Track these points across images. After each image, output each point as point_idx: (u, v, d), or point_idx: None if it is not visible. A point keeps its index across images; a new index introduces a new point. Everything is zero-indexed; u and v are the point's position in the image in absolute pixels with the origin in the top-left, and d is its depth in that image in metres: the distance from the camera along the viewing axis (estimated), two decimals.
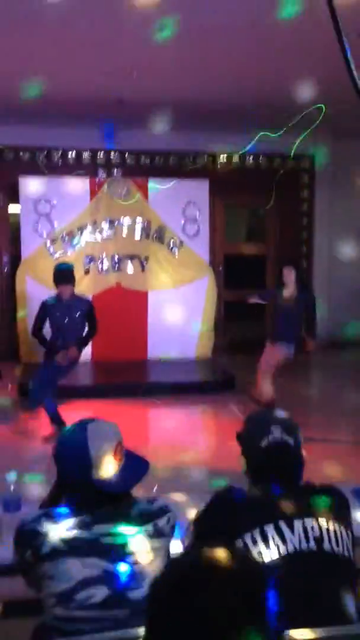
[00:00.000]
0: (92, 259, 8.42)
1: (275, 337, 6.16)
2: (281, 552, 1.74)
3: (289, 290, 6.08)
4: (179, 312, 8.47)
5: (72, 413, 6.27)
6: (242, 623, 0.90)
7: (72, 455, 1.77)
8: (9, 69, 6.43)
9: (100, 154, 9.12)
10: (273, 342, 6.16)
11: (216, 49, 5.97)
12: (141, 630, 1.64)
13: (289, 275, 6.07)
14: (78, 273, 8.38)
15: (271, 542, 1.75)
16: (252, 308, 10.18)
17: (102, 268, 8.45)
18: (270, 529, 1.76)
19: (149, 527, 1.77)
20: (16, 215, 8.74)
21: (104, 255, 8.46)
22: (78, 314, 5.60)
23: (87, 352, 8.41)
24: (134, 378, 7.79)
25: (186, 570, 0.97)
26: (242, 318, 10.06)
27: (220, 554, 1.01)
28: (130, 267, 8.50)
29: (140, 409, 6.64)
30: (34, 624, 2.04)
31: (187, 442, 5.85)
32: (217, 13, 5.20)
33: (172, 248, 8.59)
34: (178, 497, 2.55)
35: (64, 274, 5.61)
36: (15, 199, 8.49)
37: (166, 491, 3.75)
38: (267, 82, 6.98)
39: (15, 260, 8.69)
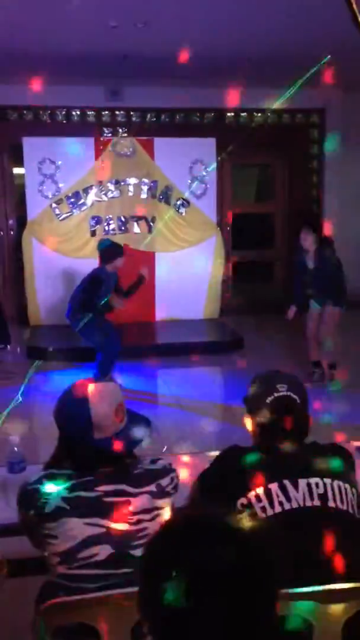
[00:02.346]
0: (98, 220, 8.34)
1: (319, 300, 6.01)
2: (285, 508, 1.73)
3: (310, 254, 5.88)
4: (187, 273, 8.41)
5: (80, 376, 6.31)
6: (234, 581, 0.88)
7: (72, 416, 1.76)
8: (6, 24, 6.26)
9: (105, 113, 8.97)
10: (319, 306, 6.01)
11: (225, 1, 5.78)
12: None
13: (307, 240, 5.83)
14: (84, 235, 8.34)
15: (275, 500, 1.74)
16: (261, 268, 10.13)
17: (108, 229, 8.37)
18: (274, 487, 1.76)
19: (152, 487, 1.76)
20: (22, 177, 8.64)
21: (110, 216, 8.37)
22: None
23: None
24: (142, 340, 7.78)
25: (180, 527, 0.95)
26: (250, 279, 9.99)
27: (215, 512, 0.99)
28: (137, 228, 8.42)
29: (149, 371, 6.65)
30: (41, 582, 2.06)
31: (195, 402, 5.86)
32: None
33: (179, 208, 8.48)
34: (185, 457, 2.55)
35: (117, 248, 5.90)
36: (20, 161, 8.38)
37: (175, 451, 3.78)
38: (276, 36, 6.76)
39: (22, 222, 8.62)
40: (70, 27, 6.38)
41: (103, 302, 5.67)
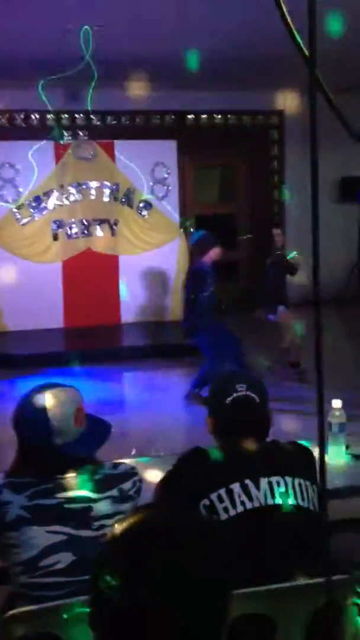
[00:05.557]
0: (60, 224, 8.28)
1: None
2: (247, 507, 1.74)
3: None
4: (151, 275, 8.41)
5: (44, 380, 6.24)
6: (192, 585, 0.88)
7: (31, 421, 1.74)
8: None
9: (65, 116, 8.91)
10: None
11: (185, 2, 5.79)
12: None
13: (280, 237, 6.03)
14: (47, 239, 8.28)
15: (237, 500, 1.75)
16: (225, 268, 10.16)
17: (71, 233, 8.32)
18: (236, 487, 1.76)
19: (114, 492, 1.75)
20: None
21: (73, 220, 8.32)
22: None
23: (58, 318, 8.39)
24: (107, 343, 7.75)
25: (132, 530, 0.95)
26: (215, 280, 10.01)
27: (171, 513, 0.99)
28: (99, 232, 8.39)
29: (115, 374, 6.62)
30: (5, 593, 2.03)
31: (162, 404, 5.85)
32: None
33: (141, 211, 8.47)
34: (153, 459, 2.54)
35: (211, 237, 5.65)
36: None
37: (143, 454, 3.77)
38: (236, 37, 6.80)
39: None
40: (29, 29, 6.33)
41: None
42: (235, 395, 1.89)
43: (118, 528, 0.97)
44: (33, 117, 8.79)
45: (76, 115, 8.92)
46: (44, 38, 6.62)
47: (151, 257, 8.50)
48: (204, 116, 9.36)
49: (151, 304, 8.46)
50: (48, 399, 1.73)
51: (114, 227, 8.40)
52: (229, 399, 1.89)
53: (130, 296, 8.40)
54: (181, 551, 0.91)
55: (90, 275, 8.04)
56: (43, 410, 1.71)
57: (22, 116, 8.75)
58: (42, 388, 1.77)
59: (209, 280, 5.49)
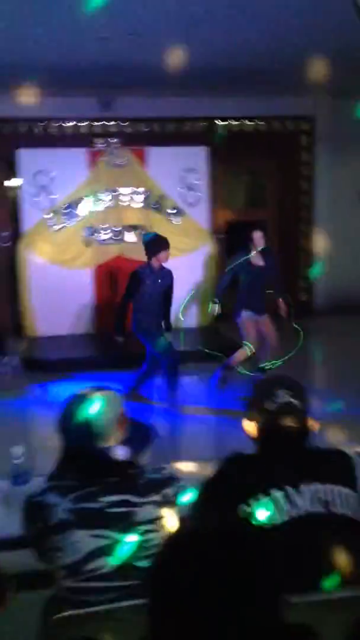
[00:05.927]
0: (92, 231, 8.34)
1: (258, 306, 5.91)
2: (291, 515, 1.73)
3: (256, 255, 5.85)
4: (182, 281, 8.40)
5: (79, 386, 6.28)
6: (240, 592, 0.89)
7: (75, 425, 1.75)
8: (3, 37, 6.28)
9: (98, 124, 8.99)
10: (260, 312, 5.93)
11: (215, 10, 5.81)
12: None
13: (260, 240, 5.82)
14: (78, 245, 8.35)
15: (279, 507, 1.74)
16: None
17: (103, 239, 8.38)
18: (278, 494, 1.75)
19: (157, 497, 1.75)
20: (16, 189, 8.64)
21: (104, 226, 8.38)
22: (165, 285, 5.63)
23: (89, 323, 8.44)
24: (137, 348, 7.75)
25: (186, 538, 0.95)
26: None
27: (225, 521, 0.99)
28: (131, 238, 8.43)
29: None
30: (46, 597, 2.04)
31: (195, 408, 5.85)
32: None
33: (172, 217, 8.50)
34: (185, 465, 2.54)
35: (160, 241, 5.55)
36: (14, 173, 8.39)
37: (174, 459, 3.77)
38: (266, 46, 6.80)
39: (16, 234, 8.61)
40: (63, 38, 6.40)
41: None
42: (278, 401, 1.87)
43: (174, 532, 0.97)
44: (67, 125, 8.89)
45: (109, 123, 9.00)
46: (77, 47, 6.68)
47: (181, 263, 8.49)
48: (234, 122, 9.37)
49: (177, 310, 8.45)
50: (92, 403, 1.74)
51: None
52: (270, 405, 1.88)
53: None
54: (249, 561, 0.91)
55: (122, 281, 8.07)
56: (87, 414, 1.73)
57: (56, 124, 8.86)
58: (86, 392, 1.78)
59: (147, 282, 5.45)
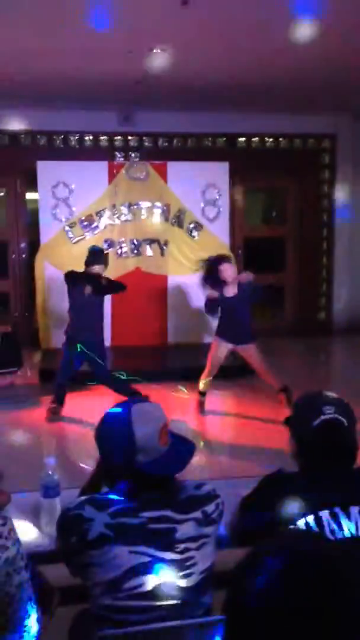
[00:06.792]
0: (111, 244, 8.33)
1: (234, 336, 5.79)
2: (337, 537, 1.66)
3: (231, 286, 5.65)
4: (199, 296, 8.35)
5: (91, 399, 6.23)
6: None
7: (116, 438, 1.69)
8: (22, 50, 6.32)
9: (118, 138, 9.03)
10: (238, 342, 5.82)
11: (237, 28, 5.82)
12: (191, 620, 1.56)
13: (227, 271, 5.61)
14: None
15: (327, 529, 1.67)
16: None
17: (121, 252, 8.37)
18: (325, 515, 1.68)
19: (198, 514, 1.69)
20: (34, 201, 8.66)
21: (123, 239, 8.37)
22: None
23: (106, 336, 8.38)
24: (153, 363, 7.71)
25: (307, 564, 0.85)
26: (262, 302, 9.91)
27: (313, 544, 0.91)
28: (149, 251, 8.41)
29: (162, 394, 6.56)
30: (73, 613, 1.98)
31: (217, 425, 5.77)
32: None
33: (191, 232, 8.48)
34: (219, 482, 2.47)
35: (97, 255, 5.80)
36: (33, 185, 8.41)
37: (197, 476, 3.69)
38: (288, 63, 6.80)
39: (34, 246, 8.62)
40: (85, 52, 6.43)
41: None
42: (322, 417, 1.81)
43: (262, 551, 0.88)
44: (87, 138, 8.93)
45: (129, 137, 9.04)
46: (100, 61, 6.71)
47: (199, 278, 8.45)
48: (255, 139, 9.38)
49: (197, 325, 8.39)
50: (134, 416, 1.68)
51: (164, 247, 8.41)
52: (316, 421, 1.81)
53: (178, 317, 8.38)
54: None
55: (138, 295, 8.04)
56: (129, 427, 1.67)
57: (76, 137, 8.90)
58: (128, 404, 1.72)
59: (74, 294, 5.82)
